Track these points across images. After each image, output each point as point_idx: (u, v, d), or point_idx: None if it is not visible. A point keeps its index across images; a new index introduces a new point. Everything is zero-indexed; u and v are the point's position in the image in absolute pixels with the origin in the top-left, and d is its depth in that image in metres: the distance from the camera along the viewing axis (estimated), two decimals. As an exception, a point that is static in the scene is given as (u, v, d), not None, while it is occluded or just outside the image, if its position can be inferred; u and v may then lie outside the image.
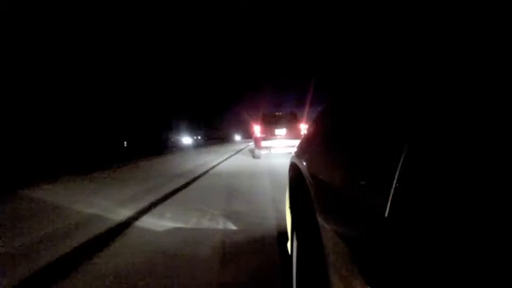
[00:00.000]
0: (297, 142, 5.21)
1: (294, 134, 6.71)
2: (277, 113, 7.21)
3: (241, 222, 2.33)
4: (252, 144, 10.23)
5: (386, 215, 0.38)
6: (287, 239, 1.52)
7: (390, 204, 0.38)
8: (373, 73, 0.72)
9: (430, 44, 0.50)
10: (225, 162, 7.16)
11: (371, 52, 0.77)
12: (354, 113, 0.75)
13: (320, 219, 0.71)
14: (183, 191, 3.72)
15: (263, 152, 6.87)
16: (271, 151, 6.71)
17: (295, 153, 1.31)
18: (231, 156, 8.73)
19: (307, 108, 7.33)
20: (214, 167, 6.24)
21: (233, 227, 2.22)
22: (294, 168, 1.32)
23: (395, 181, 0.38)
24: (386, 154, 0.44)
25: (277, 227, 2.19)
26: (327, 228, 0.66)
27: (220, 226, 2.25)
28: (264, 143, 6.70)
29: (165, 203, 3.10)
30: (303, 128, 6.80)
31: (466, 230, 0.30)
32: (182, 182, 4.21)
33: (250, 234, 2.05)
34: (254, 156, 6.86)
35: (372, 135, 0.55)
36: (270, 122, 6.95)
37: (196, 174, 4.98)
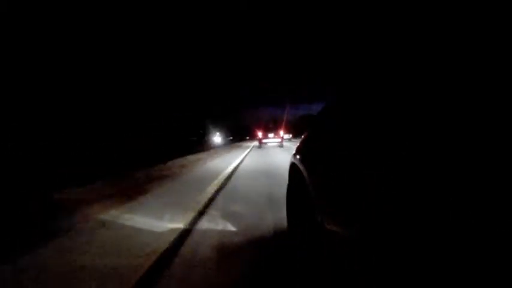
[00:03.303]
0: (278, 140, 13.80)
1: (277, 136, 13.87)
2: (270, 125, 14.47)
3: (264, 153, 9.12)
4: (254, 143, 19.75)
5: (385, 214, 0.38)
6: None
7: (390, 204, 0.38)
8: (372, 75, 0.72)
9: (429, 48, 0.50)
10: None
11: (370, 54, 0.77)
12: (352, 115, 0.75)
13: (320, 219, 0.72)
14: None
15: (262, 145, 14.31)
16: (266, 145, 14.39)
17: (295, 153, 1.31)
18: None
19: (284, 123, 14.18)
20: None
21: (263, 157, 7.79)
22: (294, 169, 1.32)
23: (395, 181, 0.38)
24: (385, 154, 0.45)
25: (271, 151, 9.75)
26: (326, 227, 0.66)
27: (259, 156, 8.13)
28: (263, 141, 14.14)
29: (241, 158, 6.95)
30: (282, 133, 13.76)
31: (464, 228, 0.30)
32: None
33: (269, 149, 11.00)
34: (258, 148, 13.60)
35: (371, 136, 0.55)
36: (265, 130, 14.21)
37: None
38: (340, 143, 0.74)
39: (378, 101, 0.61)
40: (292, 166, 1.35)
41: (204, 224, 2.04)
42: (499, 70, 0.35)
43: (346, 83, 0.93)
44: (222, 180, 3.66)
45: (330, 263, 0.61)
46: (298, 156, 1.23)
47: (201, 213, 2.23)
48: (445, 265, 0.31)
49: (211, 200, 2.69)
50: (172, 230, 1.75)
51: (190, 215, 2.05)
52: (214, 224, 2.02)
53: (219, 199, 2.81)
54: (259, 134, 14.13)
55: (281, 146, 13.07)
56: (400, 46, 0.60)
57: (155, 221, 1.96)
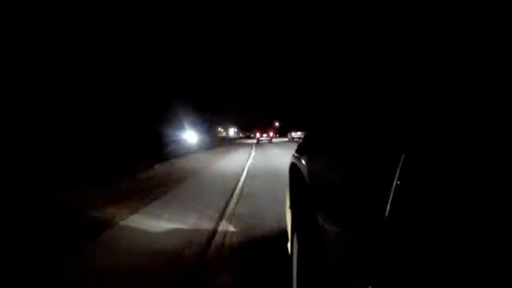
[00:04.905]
0: (269, 138, 27.58)
1: (268, 135, 26.37)
2: (264, 129, 26.97)
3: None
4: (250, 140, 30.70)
5: (386, 215, 0.38)
6: (287, 240, 1.53)
7: (390, 204, 0.38)
8: (374, 74, 0.73)
9: (429, 48, 0.50)
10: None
11: (371, 54, 0.77)
12: (354, 114, 0.75)
13: (320, 219, 0.71)
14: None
15: (259, 141, 24.16)
16: (262, 141, 24.96)
17: (296, 153, 1.31)
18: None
19: (273, 127, 32.65)
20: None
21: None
22: (294, 169, 1.32)
23: (395, 181, 0.38)
24: (386, 154, 0.45)
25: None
26: (327, 228, 0.66)
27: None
28: (260, 139, 25.32)
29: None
30: (271, 133, 27.44)
31: (465, 230, 0.30)
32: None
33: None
34: (257, 143, 21.72)
35: (372, 136, 0.55)
36: (261, 132, 26.28)
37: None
38: (340, 142, 0.75)
39: (378, 100, 0.61)
40: (293, 166, 1.35)
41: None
42: (500, 76, 0.34)
43: (346, 83, 0.93)
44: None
45: (330, 263, 0.61)
46: (298, 156, 1.23)
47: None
48: (450, 266, 0.31)
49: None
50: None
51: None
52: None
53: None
54: (258, 135, 25.77)
55: (270, 141, 23.59)
56: (400, 46, 0.60)
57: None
